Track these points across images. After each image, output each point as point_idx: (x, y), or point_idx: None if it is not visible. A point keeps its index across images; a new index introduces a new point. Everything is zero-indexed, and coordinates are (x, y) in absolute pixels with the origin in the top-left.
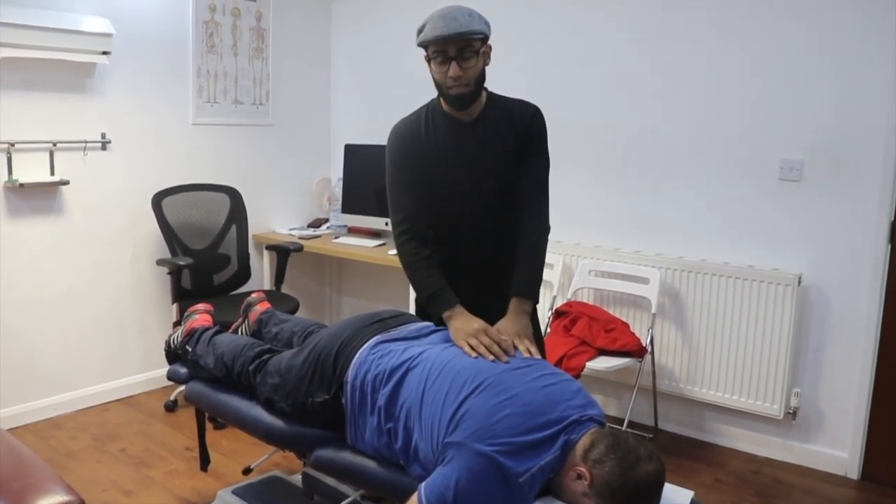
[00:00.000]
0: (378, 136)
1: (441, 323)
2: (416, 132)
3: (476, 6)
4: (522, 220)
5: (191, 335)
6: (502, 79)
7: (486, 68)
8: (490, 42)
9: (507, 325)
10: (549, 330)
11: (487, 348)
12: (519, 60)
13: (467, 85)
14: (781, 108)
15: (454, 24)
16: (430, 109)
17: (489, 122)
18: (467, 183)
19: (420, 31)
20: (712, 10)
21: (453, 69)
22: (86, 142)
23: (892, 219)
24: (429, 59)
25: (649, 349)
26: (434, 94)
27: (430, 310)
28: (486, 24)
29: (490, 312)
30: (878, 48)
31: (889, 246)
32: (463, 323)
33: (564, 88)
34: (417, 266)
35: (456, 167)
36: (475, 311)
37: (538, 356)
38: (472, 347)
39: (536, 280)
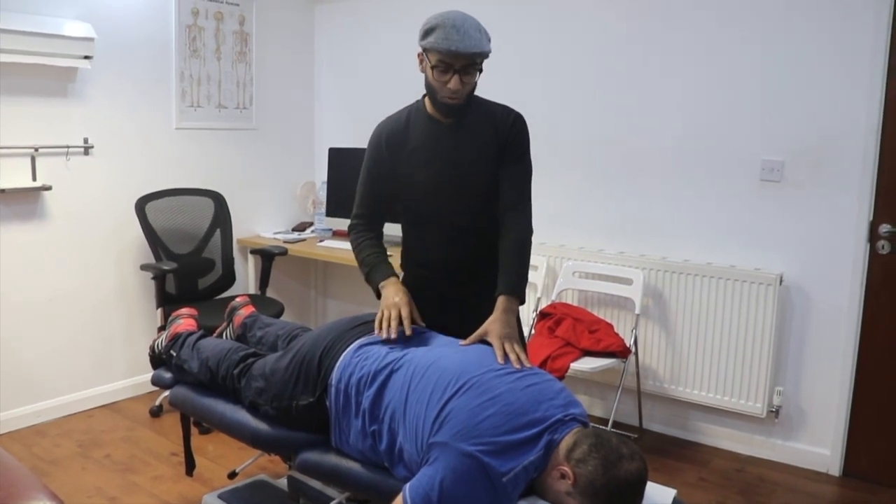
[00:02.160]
0: (362, 139)
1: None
2: (396, 130)
3: (463, 7)
4: (506, 222)
5: (175, 340)
6: (486, 81)
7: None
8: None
9: (497, 327)
10: (533, 331)
11: (388, 322)
12: (502, 62)
13: (461, 98)
14: (762, 110)
15: (468, 42)
16: (413, 109)
17: (469, 124)
18: (443, 182)
19: (427, 32)
20: (695, 14)
21: (454, 82)
22: (68, 147)
23: (871, 218)
24: (425, 61)
25: (633, 350)
26: (419, 95)
27: (370, 284)
28: (489, 40)
29: (473, 311)
30: (857, 51)
31: (868, 245)
32: (389, 293)
33: (547, 91)
34: (362, 247)
35: (432, 166)
36: (456, 308)
37: (529, 365)
38: (379, 319)
39: (523, 279)
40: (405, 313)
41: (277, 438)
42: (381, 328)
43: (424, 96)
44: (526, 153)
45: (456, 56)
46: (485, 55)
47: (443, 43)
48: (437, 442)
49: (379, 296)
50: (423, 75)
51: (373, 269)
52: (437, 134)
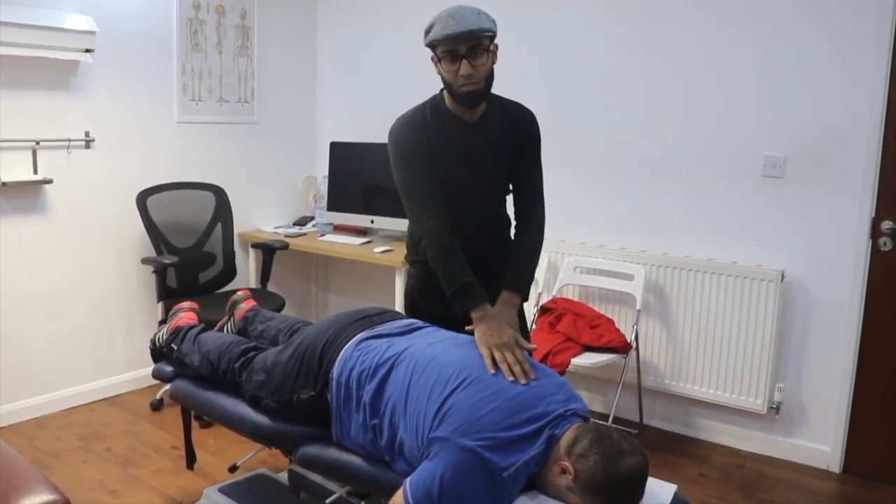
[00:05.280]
0: (364, 133)
1: (466, 319)
2: (422, 129)
3: (464, 3)
4: (521, 221)
5: (176, 333)
6: None
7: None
8: (497, 41)
9: (486, 333)
10: (534, 326)
11: (510, 366)
12: (504, 58)
13: (477, 83)
14: (765, 106)
15: (464, 23)
16: (432, 107)
17: (492, 123)
18: (469, 182)
19: (428, 32)
20: (696, 11)
21: (464, 67)
22: (69, 140)
23: (874, 215)
24: (437, 60)
25: (634, 345)
26: (427, 92)
27: (457, 302)
28: (494, 22)
29: None
30: (861, 47)
31: (870, 241)
32: (494, 329)
33: (550, 86)
34: (451, 255)
35: (460, 167)
36: None
37: (526, 366)
38: (494, 359)
39: (528, 277)
40: (520, 356)
41: (278, 432)
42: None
43: (442, 91)
44: (540, 153)
45: (455, 40)
46: (485, 32)
47: (439, 32)
48: (437, 437)
49: (463, 317)
50: (428, 74)
51: (466, 286)
52: (461, 133)
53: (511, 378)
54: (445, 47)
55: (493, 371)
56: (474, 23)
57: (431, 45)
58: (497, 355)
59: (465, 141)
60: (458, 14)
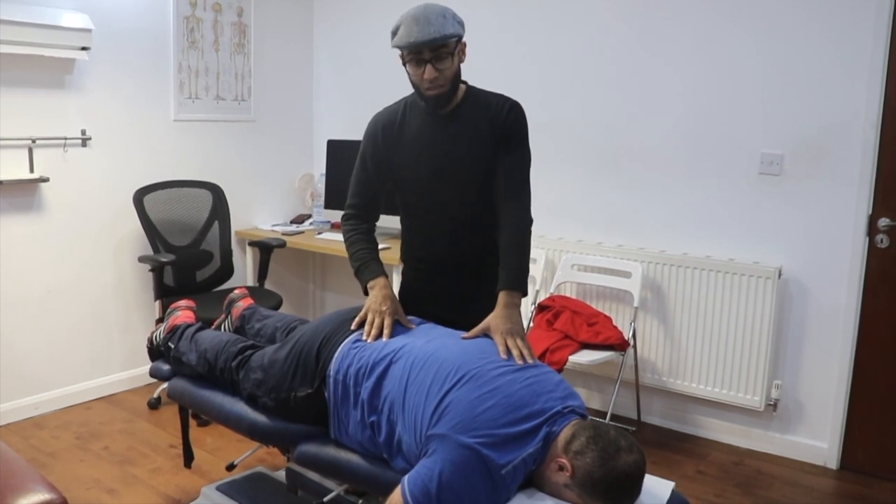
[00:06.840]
0: (361, 131)
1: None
2: (391, 122)
3: (454, 3)
4: (504, 214)
5: (173, 332)
6: (481, 75)
7: (463, 65)
8: (465, 39)
9: (499, 322)
10: (531, 324)
11: (371, 327)
12: (498, 56)
13: (443, 86)
14: (762, 103)
15: (428, 29)
16: (409, 101)
17: (465, 115)
18: (439, 174)
19: (394, 33)
20: (695, 6)
21: (429, 72)
22: (66, 138)
23: (870, 212)
24: (404, 61)
25: (632, 343)
26: None
27: (359, 281)
28: (460, 22)
29: (472, 304)
30: (858, 44)
31: (867, 239)
32: (376, 298)
33: (546, 82)
34: (354, 240)
35: (428, 158)
36: (455, 302)
37: (531, 360)
38: (363, 320)
39: (524, 271)
40: (387, 323)
41: (276, 430)
42: (363, 330)
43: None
44: (523, 142)
45: (419, 47)
46: (448, 38)
47: (404, 38)
48: (435, 434)
49: (366, 292)
50: None
51: (363, 265)
52: (431, 126)
53: (368, 340)
54: (410, 52)
55: (505, 357)
56: (438, 29)
57: (398, 49)
58: (365, 316)
59: (434, 133)
60: (422, 17)
